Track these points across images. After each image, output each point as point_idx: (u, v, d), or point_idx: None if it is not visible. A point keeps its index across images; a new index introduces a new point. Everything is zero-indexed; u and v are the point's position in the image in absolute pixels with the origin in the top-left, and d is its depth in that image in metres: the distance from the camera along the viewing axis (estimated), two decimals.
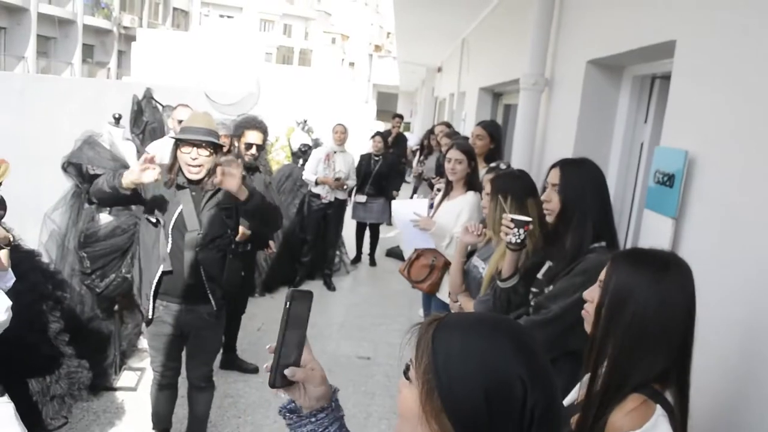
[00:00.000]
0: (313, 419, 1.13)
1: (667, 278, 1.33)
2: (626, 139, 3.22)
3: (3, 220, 3.20)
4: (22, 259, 3.07)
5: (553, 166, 2.22)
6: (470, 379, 0.86)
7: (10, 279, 2.31)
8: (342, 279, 7.14)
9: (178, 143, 2.89)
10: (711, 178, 1.93)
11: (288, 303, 1.06)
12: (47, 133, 4.46)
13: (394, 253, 8.13)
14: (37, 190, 4.09)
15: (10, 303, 2.21)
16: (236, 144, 4.29)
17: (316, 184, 6.48)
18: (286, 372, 1.07)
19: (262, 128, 4.32)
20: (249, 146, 4.26)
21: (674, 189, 2.03)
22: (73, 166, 3.88)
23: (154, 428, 3.35)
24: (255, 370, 4.58)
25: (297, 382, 1.10)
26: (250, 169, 4.36)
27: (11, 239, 2.26)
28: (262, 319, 5.53)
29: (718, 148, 1.91)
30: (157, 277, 2.92)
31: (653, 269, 1.34)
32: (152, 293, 2.95)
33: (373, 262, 8.06)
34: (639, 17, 2.67)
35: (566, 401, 1.54)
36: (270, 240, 4.69)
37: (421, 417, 0.89)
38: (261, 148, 4.37)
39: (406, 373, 0.94)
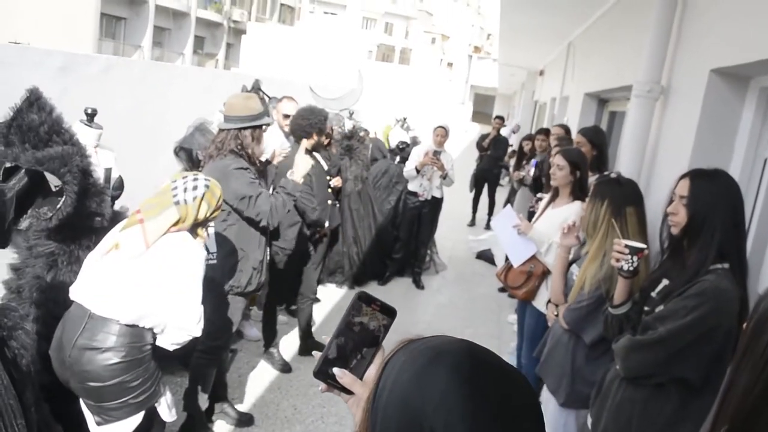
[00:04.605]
0: None
1: None
2: (748, 154, 3.03)
3: (118, 201, 3.40)
4: None
5: (683, 177, 2.09)
6: (391, 412, 0.79)
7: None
8: (431, 278, 7.12)
9: None
10: None
11: (351, 305, 1.00)
12: (162, 118, 4.70)
13: (484, 255, 8.05)
14: (152, 173, 4.31)
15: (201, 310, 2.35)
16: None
17: (418, 171, 6.32)
18: (335, 371, 0.99)
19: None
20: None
21: None
22: (184, 151, 4.04)
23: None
24: None
25: (351, 392, 1.00)
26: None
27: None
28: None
29: None
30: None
31: None
32: None
33: None
34: None
35: None
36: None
37: None
38: None
39: None
